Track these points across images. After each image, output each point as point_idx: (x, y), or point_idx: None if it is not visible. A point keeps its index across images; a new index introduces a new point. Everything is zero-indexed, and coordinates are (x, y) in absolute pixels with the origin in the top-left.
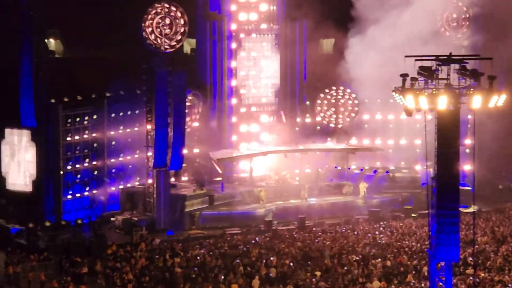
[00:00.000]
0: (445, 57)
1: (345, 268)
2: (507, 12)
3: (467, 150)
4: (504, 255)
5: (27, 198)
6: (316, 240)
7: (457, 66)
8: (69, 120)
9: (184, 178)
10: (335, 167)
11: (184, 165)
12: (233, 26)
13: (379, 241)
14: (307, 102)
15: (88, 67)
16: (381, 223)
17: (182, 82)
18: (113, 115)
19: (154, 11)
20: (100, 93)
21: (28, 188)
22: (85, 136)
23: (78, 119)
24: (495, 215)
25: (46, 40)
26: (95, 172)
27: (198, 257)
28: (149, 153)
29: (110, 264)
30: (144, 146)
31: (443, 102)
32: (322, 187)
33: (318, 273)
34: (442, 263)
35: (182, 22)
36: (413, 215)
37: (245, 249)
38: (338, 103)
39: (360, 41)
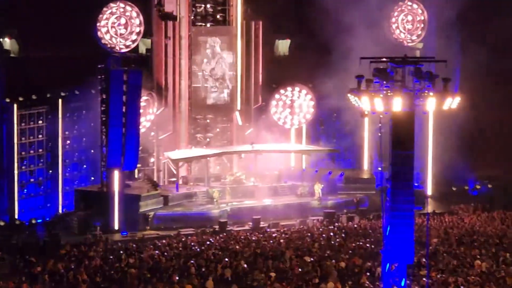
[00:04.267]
0: (400, 59)
1: (300, 269)
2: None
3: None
4: (457, 257)
5: None
6: (271, 241)
7: (412, 68)
8: (24, 120)
9: (139, 178)
10: (290, 168)
11: (138, 165)
12: (189, 27)
13: (334, 242)
14: (263, 103)
15: (43, 66)
16: (336, 224)
17: (137, 82)
18: (68, 114)
19: (109, 11)
20: (55, 93)
21: None
22: (40, 135)
23: (33, 118)
24: (449, 217)
25: (1, 39)
26: (50, 172)
27: (152, 258)
28: (104, 153)
29: (64, 264)
30: (98, 145)
31: (398, 104)
32: (277, 188)
33: (273, 274)
34: (396, 265)
35: (137, 22)
36: None
37: (199, 250)
38: (293, 104)
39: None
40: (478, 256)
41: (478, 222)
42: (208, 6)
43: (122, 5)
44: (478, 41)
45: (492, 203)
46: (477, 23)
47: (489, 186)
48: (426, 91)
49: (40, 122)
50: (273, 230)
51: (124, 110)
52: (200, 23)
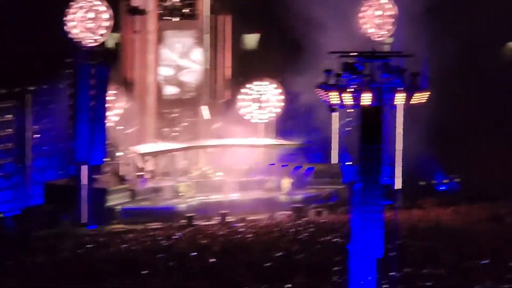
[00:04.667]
0: (369, 54)
1: (268, 263)
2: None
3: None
4: (424, 250)
5: None
6: (238, 236)
7: (380, 62)
8: None
9: (106, 173)
10: (258, 163)
11: (105, 159)
12: (157, 21)
13: (302, 237)
14: (231, 97)
15: (12, 61)
16: (304, 219)
17: (105, 76)
18: (36, 109)
19: (78, 5)
20: (23, 87)
21: None
22: (9, 129)
23: (1, 113)
24: (417, 211)
25: None
26: (18, 166)
27: (120, 252)
28: (72, 147)
29: (32, 257)
30: (67, 140)
31: (366, 98)
32: (244, 182)
33: (240, 268)
34: (365, 259)
35: (106, 16)
36: None
37: (166, 244)
38: (261, 98)
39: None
40: (445, 249)
41: (445, 216)
42: (176, 0)
43: None
44: (449, 36)
45: (458, 197)
46: (448, 18)
47: (456, 180)
48: (395, 86)
49: (8, 116)
50: (241, 224)
51: (91, 104)
52: (167, 18)
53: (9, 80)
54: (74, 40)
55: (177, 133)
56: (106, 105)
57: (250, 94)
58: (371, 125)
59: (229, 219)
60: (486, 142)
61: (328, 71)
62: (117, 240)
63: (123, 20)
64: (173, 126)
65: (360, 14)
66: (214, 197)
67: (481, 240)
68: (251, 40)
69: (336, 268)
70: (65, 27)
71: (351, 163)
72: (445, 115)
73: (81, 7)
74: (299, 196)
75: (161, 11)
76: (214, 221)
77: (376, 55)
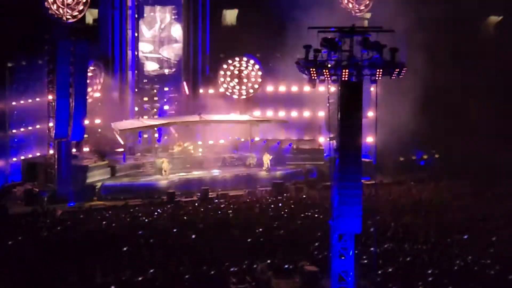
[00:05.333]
0: (348, 29)
1: (250, 239)
2: None
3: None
4: (404, 226)
5: None
6: (219, 212)
7: (359, 38)
8: None
9: (86, 149)
10: (238, 139)
11: (85, 135)
12: None
13: (282, 213)
14: (210, 73)
15: None
16: (284, 195)
17: (84, 52)
18: (15, 85)
19: None
20: (1, 63)
21: None
22: None
23: None
24: (397, 187)
25: None
26: None
27: (100, 229)
28: (51, 124)
29: (11, 235)
30: (45, 116)
31: (346, 74)
32: (225, 158)
33: (221, 245)
34: (344, 234)
35: None
36: None
37: (147, 220)
38: (241, 74)
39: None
40: (425, 226)
41: (425, 192)
42: None
43: None
44: (429, 12)
45: (439, 172)
46: None
47: (436, 156)
48: (374, 61)
49: None
50: (222, 200)
51: (71, 80)
52: None
53: None
54: (53, 15)
55: (157, 109)
56: (86, 82)
57: (230, 70)
58: (351, 101)
59: (210, 195)
60: (467, 116)
61: (307, 47)
62: (98, 217)
63: None
64: (153, 102)
65: None
66: (195, 173)
67: (462, 215)
68: (230, 15)
69: (316, 244)
70: (43, 3)
71: (331, 139)
72: (425, 89)
73: None
74: (279, 172)
75: None
76: (195, 197)
77: (355, 30)
